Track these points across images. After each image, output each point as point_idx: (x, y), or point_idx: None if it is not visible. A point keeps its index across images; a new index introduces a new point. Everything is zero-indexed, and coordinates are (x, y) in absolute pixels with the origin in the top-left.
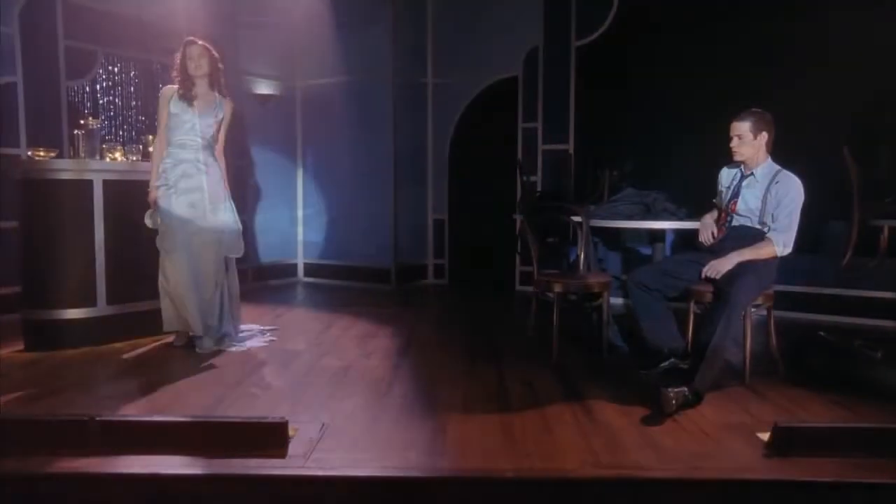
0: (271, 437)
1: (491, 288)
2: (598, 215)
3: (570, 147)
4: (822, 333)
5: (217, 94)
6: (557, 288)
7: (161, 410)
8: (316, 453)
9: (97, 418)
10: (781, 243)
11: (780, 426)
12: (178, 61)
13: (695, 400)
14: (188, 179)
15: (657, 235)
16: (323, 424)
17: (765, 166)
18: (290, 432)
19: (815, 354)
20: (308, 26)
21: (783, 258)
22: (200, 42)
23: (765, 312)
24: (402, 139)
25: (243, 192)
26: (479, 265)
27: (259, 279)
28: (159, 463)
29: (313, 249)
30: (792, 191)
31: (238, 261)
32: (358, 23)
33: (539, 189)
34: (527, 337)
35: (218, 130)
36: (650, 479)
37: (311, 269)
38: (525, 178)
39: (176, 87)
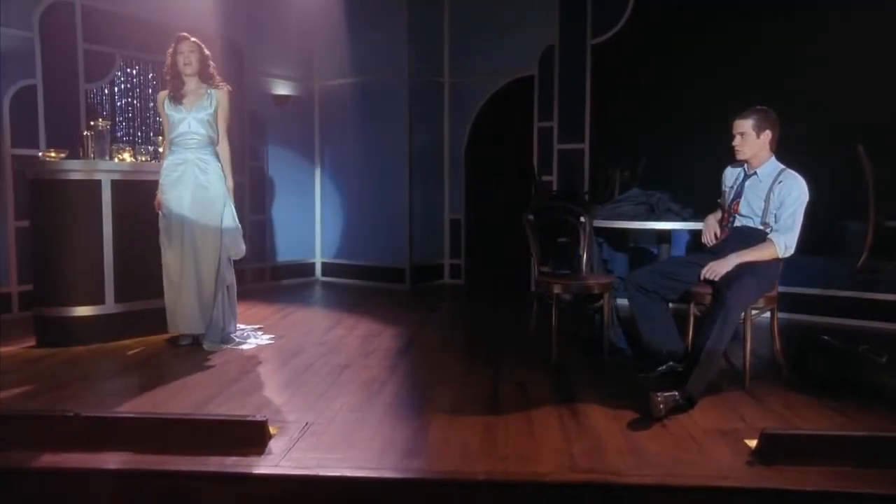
0: (250, 436)
1: (506, 288)
2: (600, 216)
3: (586, 146)
4: (825, 337)
5: (209, 87)
6: (556, 289)
7: (157, 407)
8: (293, 452)
9: (81, 414)
10: (783, 244)
11: (767, 433)
12: (170, 57)
13: (686, 404)
14: (188, 177)
15: (663, 236)
16: (306, 423)
17: (768, 165)
18: (273, 431)
19: (819, 359)
20: (325, 27)
21: (795, 259)
22: (193, 39)
23: (768, 315)
24: (419, 138)
25: (262, 192)
26: (495, 265)
27: (276, 278)
28: (140, 459)
29: (330, 249)
30: (795, 190)
31: (255, 260)
32: (374, 23)
33: (555, 189)
34: (529, 338)
35: (215, 121)
36: (623, 485)
37: (328, 269)
38: (538, 178)
39: (167, 90)
